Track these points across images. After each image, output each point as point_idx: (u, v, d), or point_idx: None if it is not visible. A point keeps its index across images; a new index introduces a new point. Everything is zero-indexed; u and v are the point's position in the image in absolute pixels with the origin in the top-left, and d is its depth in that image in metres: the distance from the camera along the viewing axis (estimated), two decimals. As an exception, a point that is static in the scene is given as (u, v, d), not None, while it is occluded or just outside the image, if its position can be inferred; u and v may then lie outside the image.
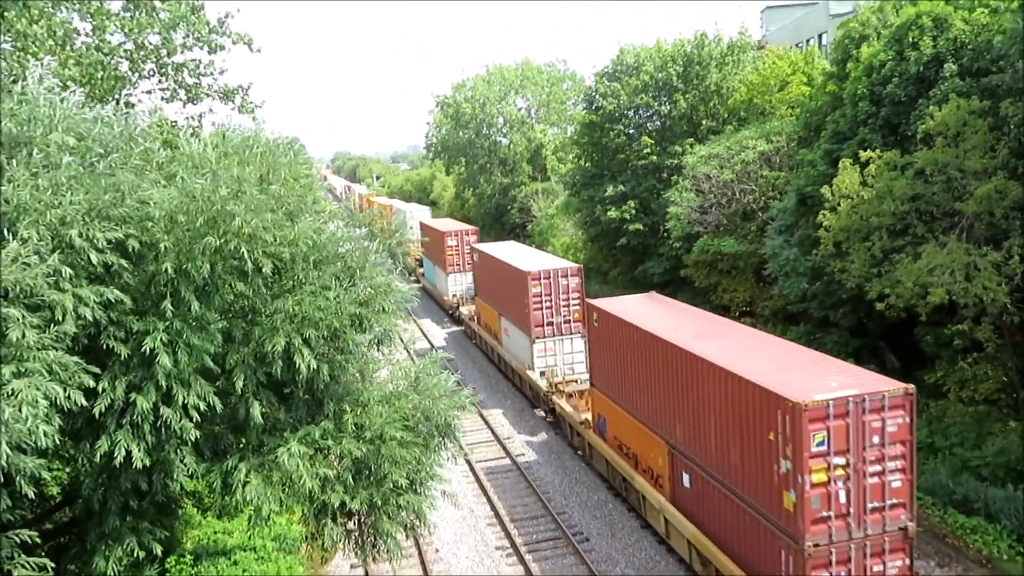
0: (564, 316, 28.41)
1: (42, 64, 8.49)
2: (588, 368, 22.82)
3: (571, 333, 28.47)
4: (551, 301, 28.09)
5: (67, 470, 12.08)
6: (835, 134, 24.91)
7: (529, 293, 27.81)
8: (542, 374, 28.08)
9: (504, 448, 25.89)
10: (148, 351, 7.35)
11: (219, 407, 7.88)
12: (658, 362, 17.39)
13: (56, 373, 6.52)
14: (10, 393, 6.14)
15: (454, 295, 43.67)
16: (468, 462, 24.38)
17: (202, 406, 7.64)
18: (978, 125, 19.23)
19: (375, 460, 8.90)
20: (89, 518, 8.64)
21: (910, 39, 22.42)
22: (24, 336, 6.41)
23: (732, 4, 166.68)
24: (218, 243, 7.65)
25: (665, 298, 21.94)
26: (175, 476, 8.10)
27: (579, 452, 24.79)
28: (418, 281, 55.69)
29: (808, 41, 46.07)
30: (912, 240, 20.60)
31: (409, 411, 9.44)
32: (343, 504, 8.79)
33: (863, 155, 22.18)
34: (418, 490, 9.61)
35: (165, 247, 7.51)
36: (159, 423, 7.49)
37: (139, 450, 7.44)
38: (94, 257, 7.12)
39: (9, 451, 5.98)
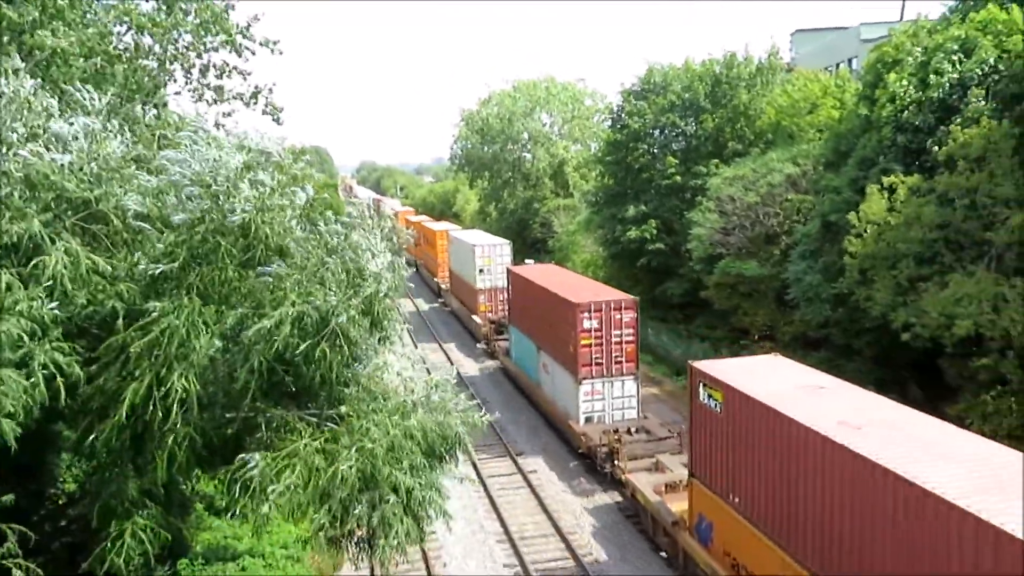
0: None
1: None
2: None
3: None
4: None
5: (84, 467, 12.10)
6: (862, 160, 24.63)
7: None
8: None
9: None
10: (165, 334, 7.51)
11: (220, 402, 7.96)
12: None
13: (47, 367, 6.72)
14: None
15: (588, 419, 24.36)
16: None
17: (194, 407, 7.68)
18: (1004, 148, 18.84)
19: (374, 482, 8.83)
20: (103, 515, 8.67)
21: (934, 66, 22.15)
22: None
23: (763, 27, 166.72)
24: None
25: None
26: (183, 474, 8.11)
27: None
28: (492, 355, 37.54)
29: (838, 65, 45.76)
30: (940, 269, 20.25)
31: (416, 427, 9.37)
32: (342, 519, 8.75)
33: (887, 180, 21.88)
34: (416, 512, 9.45)
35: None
36: (151, 416, 7.55)
37: (127, 443, 7.55)
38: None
39: None
